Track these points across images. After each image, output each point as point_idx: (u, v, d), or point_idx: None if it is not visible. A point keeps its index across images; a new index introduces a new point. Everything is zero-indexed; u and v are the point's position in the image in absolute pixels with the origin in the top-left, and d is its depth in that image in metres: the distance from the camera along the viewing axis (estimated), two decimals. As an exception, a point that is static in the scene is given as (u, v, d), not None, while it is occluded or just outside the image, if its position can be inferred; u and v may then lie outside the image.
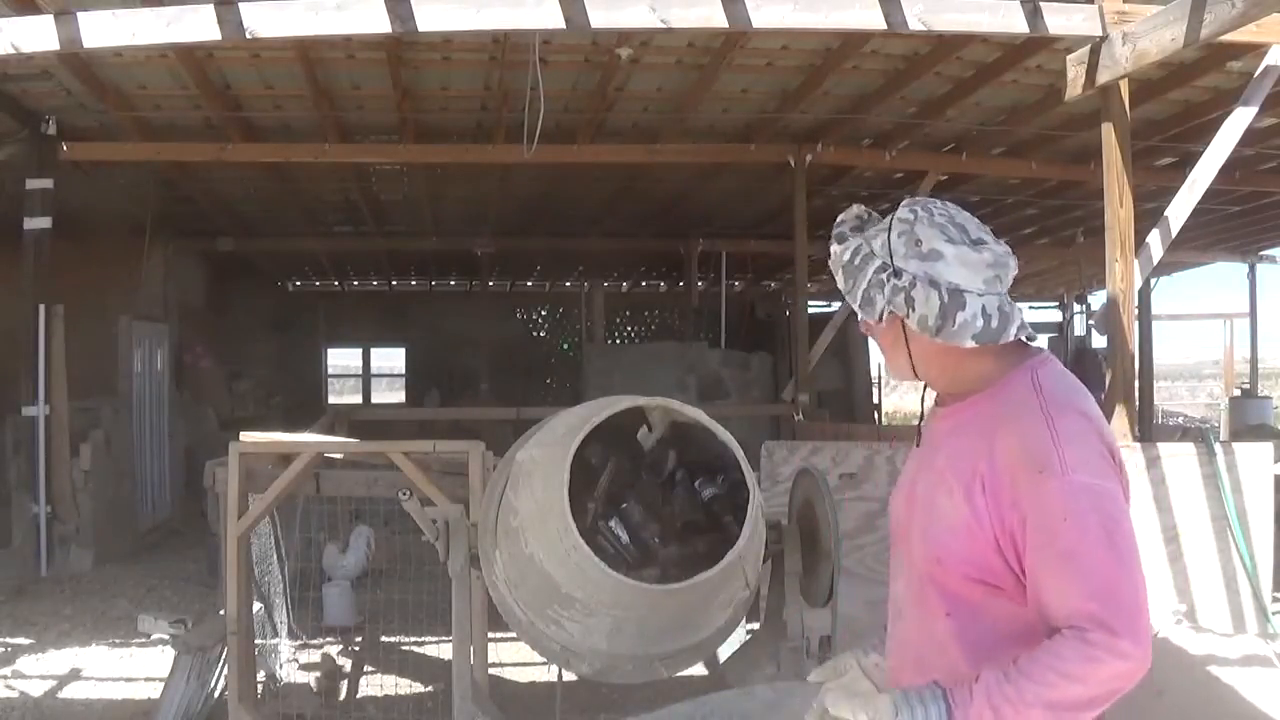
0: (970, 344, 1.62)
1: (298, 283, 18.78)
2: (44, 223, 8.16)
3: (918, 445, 1.80)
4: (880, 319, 1.69)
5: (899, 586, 1.79)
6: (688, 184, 11.04)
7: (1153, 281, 12.51)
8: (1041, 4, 5.28)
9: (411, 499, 3.09)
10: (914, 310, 1.63)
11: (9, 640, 6.28)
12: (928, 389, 1.79)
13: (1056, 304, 19.26)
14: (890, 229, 1.68)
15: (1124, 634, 1.45)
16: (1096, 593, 1.47)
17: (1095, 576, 1.48)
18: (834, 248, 1.74)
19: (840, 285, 1.74)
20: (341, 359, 20.84)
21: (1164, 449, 5.21)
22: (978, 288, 1.64)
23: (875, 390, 17.13)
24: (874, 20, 5.20)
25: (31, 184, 8.15)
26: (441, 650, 5.60)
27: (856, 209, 1.79)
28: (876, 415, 17.09)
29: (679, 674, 2.85)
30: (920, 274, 1.63)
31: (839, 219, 1.78)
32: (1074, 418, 1.59)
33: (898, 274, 1.65)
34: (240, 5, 4.91)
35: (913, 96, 8.06)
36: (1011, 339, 1.65)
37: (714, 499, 2.47)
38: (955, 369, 1.71)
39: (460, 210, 12.47)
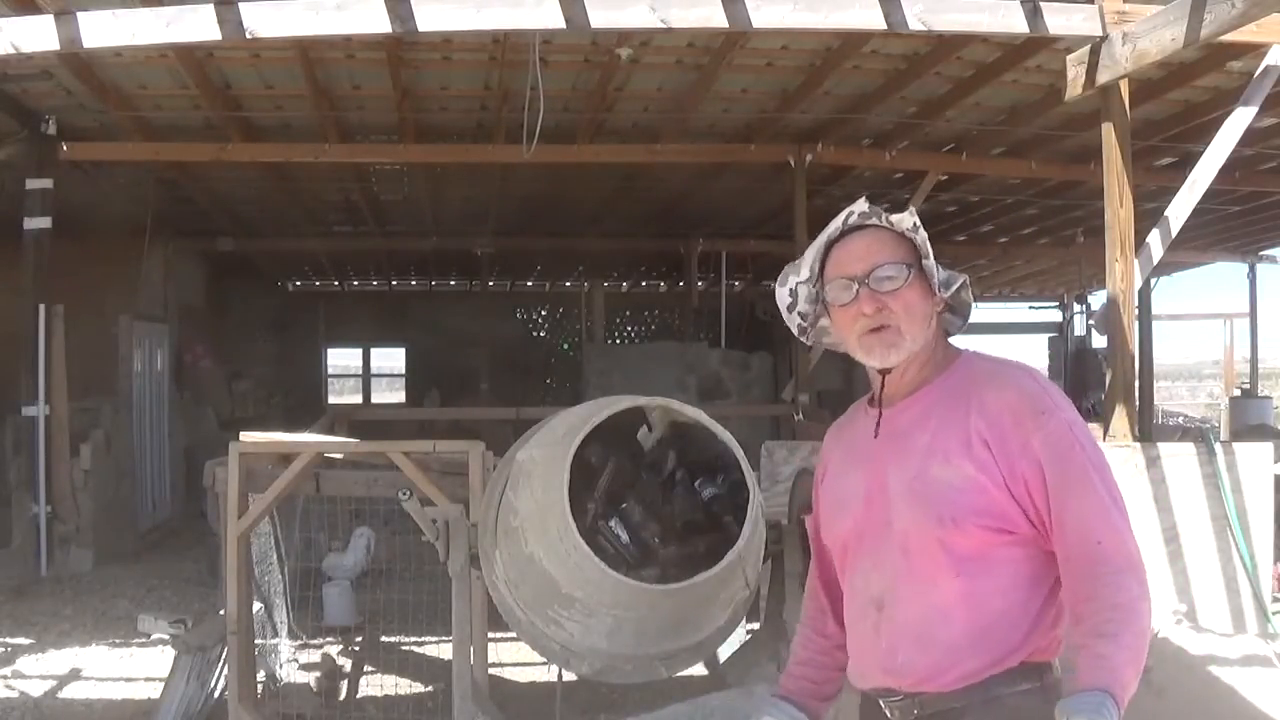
0: (960, 325, 1.91)
1: (298, 283, 18.77)
2: (44, 223, 8.16)
3: (875, 437, 1.89)
4: (933, 283, 1.84)
5: (872, 583, 1.85)
6: (688, 184, 11.04)
7: (1153, 281, 12.50)
8: (1041, 4, 5.28)
9: (411, 499, 3.09)
10: (939, 273, 1.85)
11: (9, 640, 6.28)
12: (886, 379, 1.89)
13: (1056, 304, 19.26)
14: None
15: (1137, 550, 1.68)
16: (1115, 518, 1.69)
17: (1106, 502, 1.69)
18: (905, 217, 1.86)
19: (925, 250, 1.84)
20: (341, 359, 20.82)
21: (1164, 449, 5.20)
22: None
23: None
24: (874, 20, 5.20)
25: (31, 184, 8.15)
26: (441, 650, 5.60)
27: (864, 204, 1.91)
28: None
29: (679, 674, 2.85)
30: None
31: (861, 210, 1.89)
32: (1034, 372, 1.86)
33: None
34: (240, 5, 4.91)
35: (913, 96, 8.06)
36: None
37: (714, 499, 2.47)
38: (928, 360, 1.87)
39: (460, 210, 12.47)
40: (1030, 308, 20.40)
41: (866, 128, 8.92)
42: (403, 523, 5.02)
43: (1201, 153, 5.70)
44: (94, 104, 7.79)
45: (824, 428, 2.00)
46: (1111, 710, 1.52)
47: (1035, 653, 1.74)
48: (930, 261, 1.83)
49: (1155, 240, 5.57)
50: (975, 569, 1.74)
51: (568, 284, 18.49)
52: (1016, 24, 5.31)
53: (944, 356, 1.89)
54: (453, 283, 18.91)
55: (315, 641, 5.96)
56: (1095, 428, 5.70)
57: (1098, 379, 13.52)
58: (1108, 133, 5.39)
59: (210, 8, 4.91)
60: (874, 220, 1.86)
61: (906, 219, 1.85)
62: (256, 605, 4.95)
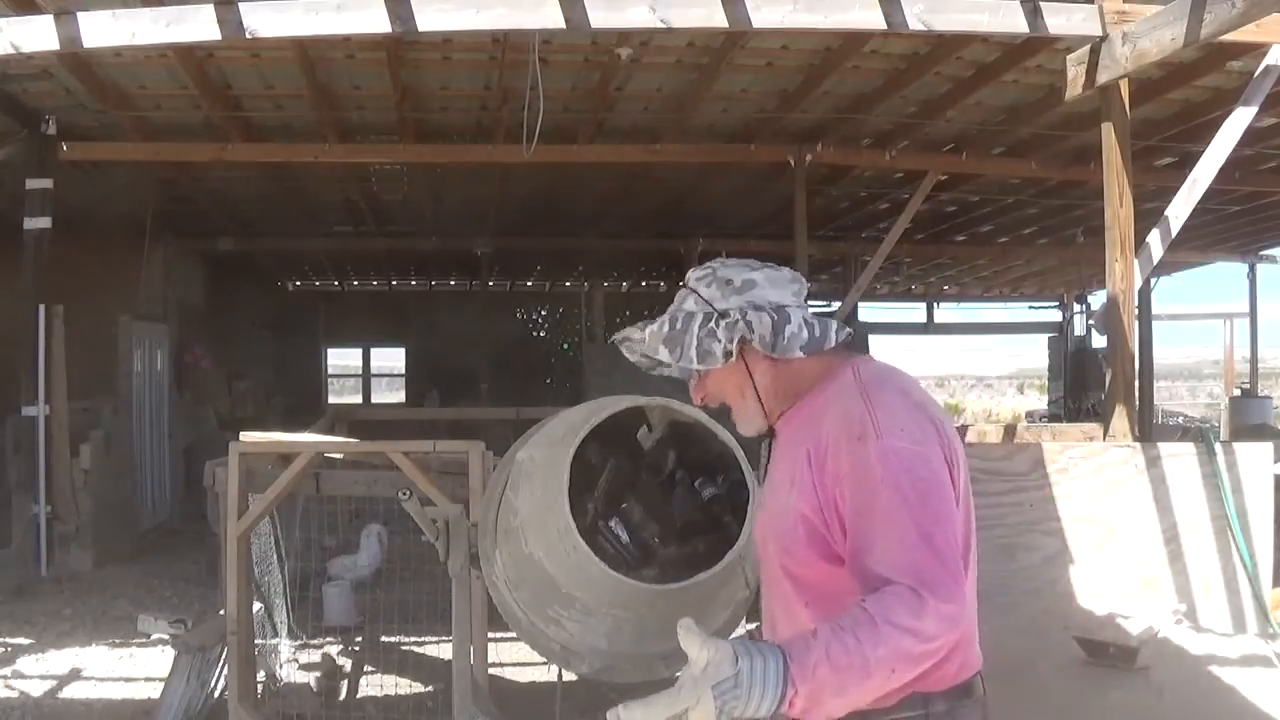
0: (799, 355, 1.75)
1: (298, 283, 18.78)
2: (44, 223, 8.16)
3: (761, 483, 1.87)
4: (728, 357, 1.77)
5: (766, 602, 1.85)
6: (688, 184, 11.04)
7: (1153, 281, 12.50)
8: (1041, 4, 5.29)
9: (411, 499, 3.09)
10: (754, 332, 1.74)
11: (9, 640, 6.28)
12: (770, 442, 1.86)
13: (1056, 304, 19.27)
14: (696, 288, 1.84)
15: (943, 587, 1.52)
16: (914, 549, 1.54)
17: (912, 535, 1.55)
18: (650, 329, 1.84)
19: (668, 359, 1.81)
20: (341, 359, 20.84)
21: (1164, 449, 5.21)
22: (792, 302, 1.79)
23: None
24: (874, 20, 5.20)
25: (31, 184, 8.15)
26: (441, 650, 5.60)
27: (626, 330, 1.93)
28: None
29: (679, 674, 2.85)
30: (744, 304, 1.77)
31: (621, 337, 1.93)
32: (889, 391, 1.70)
33: (724, 314, 1.78)
34: (240, 5, 4.92)
35: (913, 96, 8.06)
36: (834, 343, 1.78)
37: (714, 499, 2.47)
38: (792, 384, 1.81)
39: (460, 210, 12.47)
40: (1030, 308, 20.41)
41: (866, 128, 8.92)
42: (403, 523, 5.03)
43: (1201, 153, 5.70)
44: (94, 104, 7.79)
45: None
46: (769, 673, 1.42)
47: (915, 683, 1.61)
48: (738, 332, 1.75)
49: (1155, 240, 5.58)
50: (820, 598, 1.68)
51: (568, 284, 18.49)
52: (1016, 24, 5.32)
53: (824, 370, 1.80)
54: (452, 283, 18.92)
55: (315, 641, 5.97)
56: (1095, 427, 5.71)
57: (1098, 379, 13.52)
58: (1108, 133, 5.39)
59: (210, 8, 4.92)
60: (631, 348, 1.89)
61: (655, 344, 1.83)
62: (256, 605, 4.95)
